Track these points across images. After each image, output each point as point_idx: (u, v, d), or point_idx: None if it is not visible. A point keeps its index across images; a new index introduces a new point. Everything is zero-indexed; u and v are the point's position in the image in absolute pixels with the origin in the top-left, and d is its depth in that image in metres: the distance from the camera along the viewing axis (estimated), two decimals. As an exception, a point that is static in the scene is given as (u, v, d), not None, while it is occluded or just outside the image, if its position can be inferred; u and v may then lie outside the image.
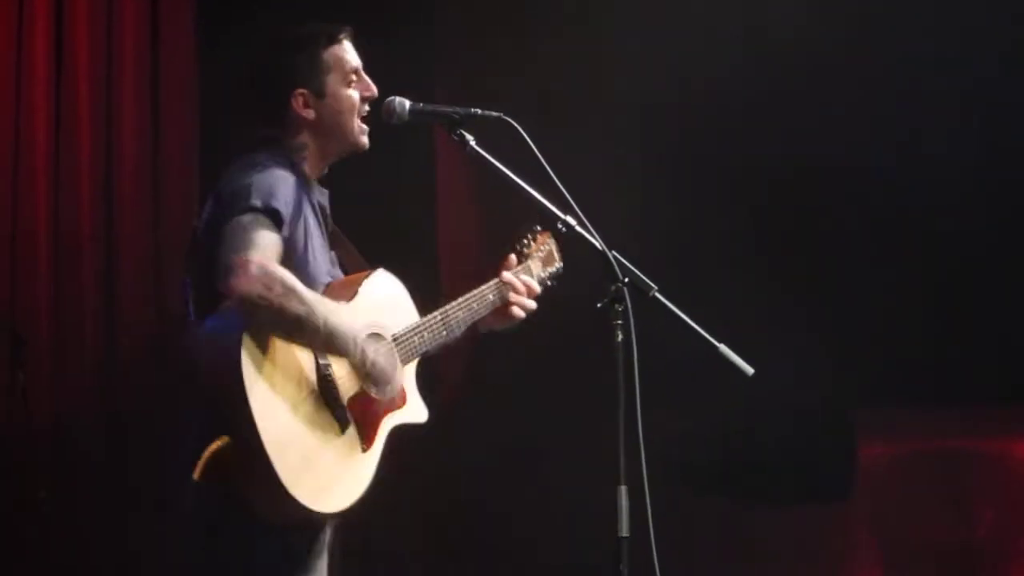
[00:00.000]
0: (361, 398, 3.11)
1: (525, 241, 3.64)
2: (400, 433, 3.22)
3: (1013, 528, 5.97)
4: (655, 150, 5.99)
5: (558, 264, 3.71)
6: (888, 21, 5.83)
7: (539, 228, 3.67)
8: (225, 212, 3.00)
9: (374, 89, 3.28)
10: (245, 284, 2.85)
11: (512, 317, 3.49)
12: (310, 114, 3.21)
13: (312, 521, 3.07)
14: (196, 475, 2.86)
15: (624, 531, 2.97)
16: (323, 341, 2.98)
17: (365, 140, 3.29)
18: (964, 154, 5.82)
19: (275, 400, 2.91)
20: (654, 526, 3.01)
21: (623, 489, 2.96)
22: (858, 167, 5.99)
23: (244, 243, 2.90)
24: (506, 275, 3.50)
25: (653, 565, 3.05)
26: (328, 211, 3.29)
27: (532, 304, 3.51)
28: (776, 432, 5.98)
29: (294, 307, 2.91)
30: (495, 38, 6.11)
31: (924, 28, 5.74)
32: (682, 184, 6.03)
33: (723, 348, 3.14)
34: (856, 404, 6.05)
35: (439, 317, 3.33)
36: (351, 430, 3.08)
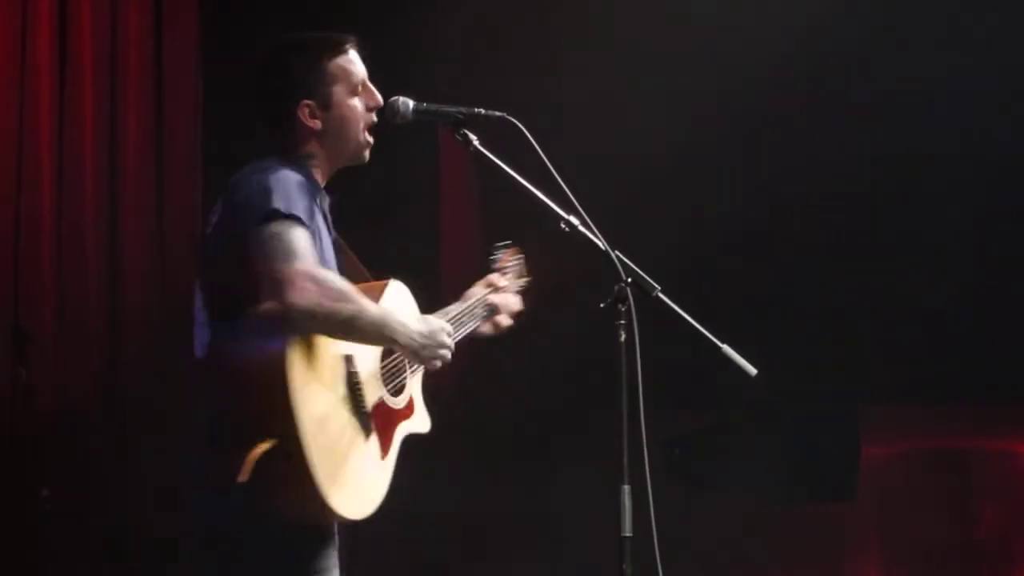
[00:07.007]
0: (381, 407, 3.14)
1: (495, 258, 3.69)
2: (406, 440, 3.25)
3: (1015, 527, 5.98)
4: (660, 149, 5.99)
5: (526, 278, 3.76)
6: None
7: (504, 245, 3.72)
8: (244, 216, 2.97)
9: (379, 99, 3.26)
10: (301, 297, 2.84)
11: (494, 330, 3.59)
12: (316, 124, 3.18)
13: (326, 524, 3.08)
14: (242, 477, 2.82)
15: (627, 530, 2.98)
16: (377, 332, 3.02)
17: (366, 155, 3.27)
18: (967, 150, 5.82)
19: (315, 406, 2.91)
20: (657, 525, 3.01)
21: (626, 488, 2.97)
22: (861, 164, 5.99)
23: (285, 252, 2.88)
24: (493, 298, 3.57)
25: (656, 564, 3.06)
26: (330, 217, 3.28)
27: (510, 321, 3.61)
28: (779, 431, 5.98)
29: (348, 308, 2.92)
30: (497, 38, 6.10)
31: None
32: (686, 182, 6.03)
33: (726, 348, 3.14)
34: (859, 403, 6.05)
35: None
36: (373, 437, 3.11)
